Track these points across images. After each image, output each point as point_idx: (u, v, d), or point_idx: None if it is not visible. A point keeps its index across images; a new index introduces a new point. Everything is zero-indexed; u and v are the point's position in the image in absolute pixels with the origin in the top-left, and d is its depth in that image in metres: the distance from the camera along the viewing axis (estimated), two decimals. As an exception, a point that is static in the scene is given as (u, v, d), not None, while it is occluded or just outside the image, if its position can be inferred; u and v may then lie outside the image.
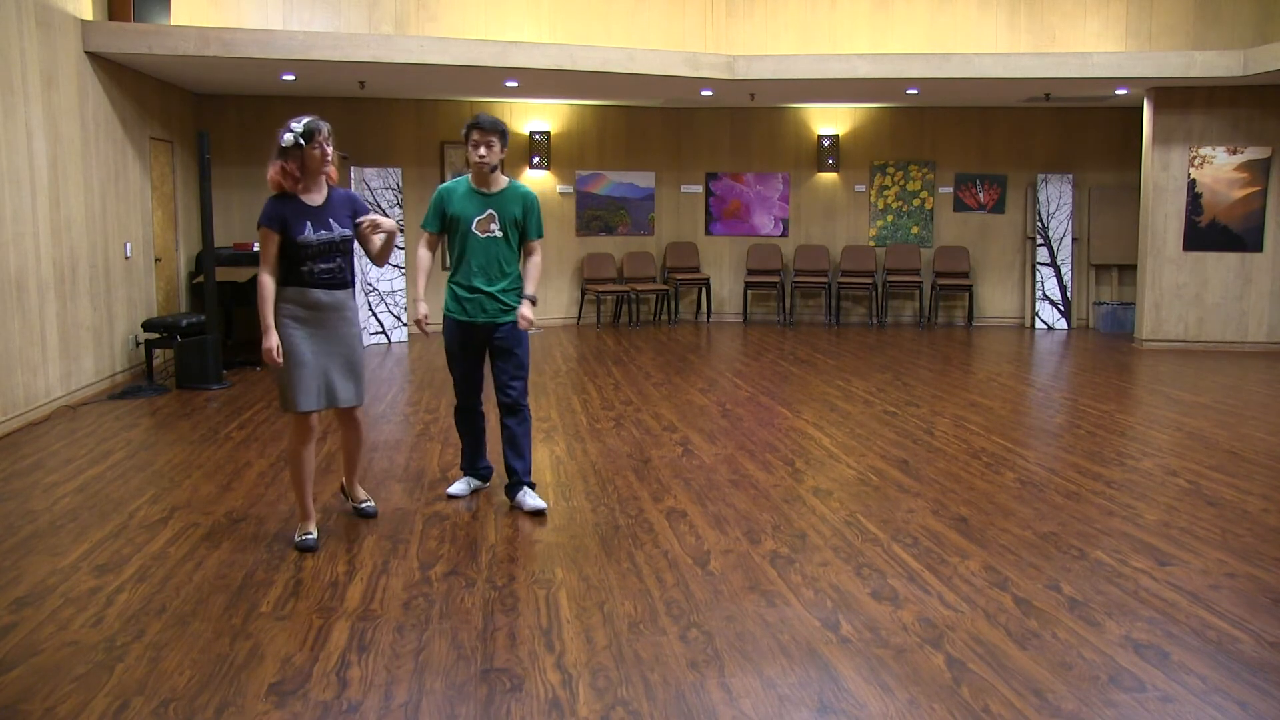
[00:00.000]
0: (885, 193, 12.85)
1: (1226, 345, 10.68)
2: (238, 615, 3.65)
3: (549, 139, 12.26)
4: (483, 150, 4.73)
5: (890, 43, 10.43)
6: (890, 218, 12.86)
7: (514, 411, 4.94)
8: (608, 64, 9.37)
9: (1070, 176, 12.44)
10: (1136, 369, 9.49)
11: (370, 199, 10.80)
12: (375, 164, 11.29)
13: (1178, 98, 10.51)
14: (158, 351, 8.48)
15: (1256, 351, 10.54)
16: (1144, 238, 10.79)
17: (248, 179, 10.78)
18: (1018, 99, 11.69)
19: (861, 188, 12.85)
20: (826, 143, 12.70)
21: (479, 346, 4.93)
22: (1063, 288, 12.43)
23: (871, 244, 12.86)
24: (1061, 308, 12.42)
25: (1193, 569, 4.16)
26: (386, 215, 10.80)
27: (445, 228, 4.89)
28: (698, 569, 4.14)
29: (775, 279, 12.75)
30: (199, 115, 10.74)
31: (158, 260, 9.44)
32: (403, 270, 11.23)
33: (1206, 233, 10.64)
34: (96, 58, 8.08)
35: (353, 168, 10.68)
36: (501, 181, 4.89)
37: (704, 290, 12.88)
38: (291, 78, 9.54)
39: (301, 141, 4.23)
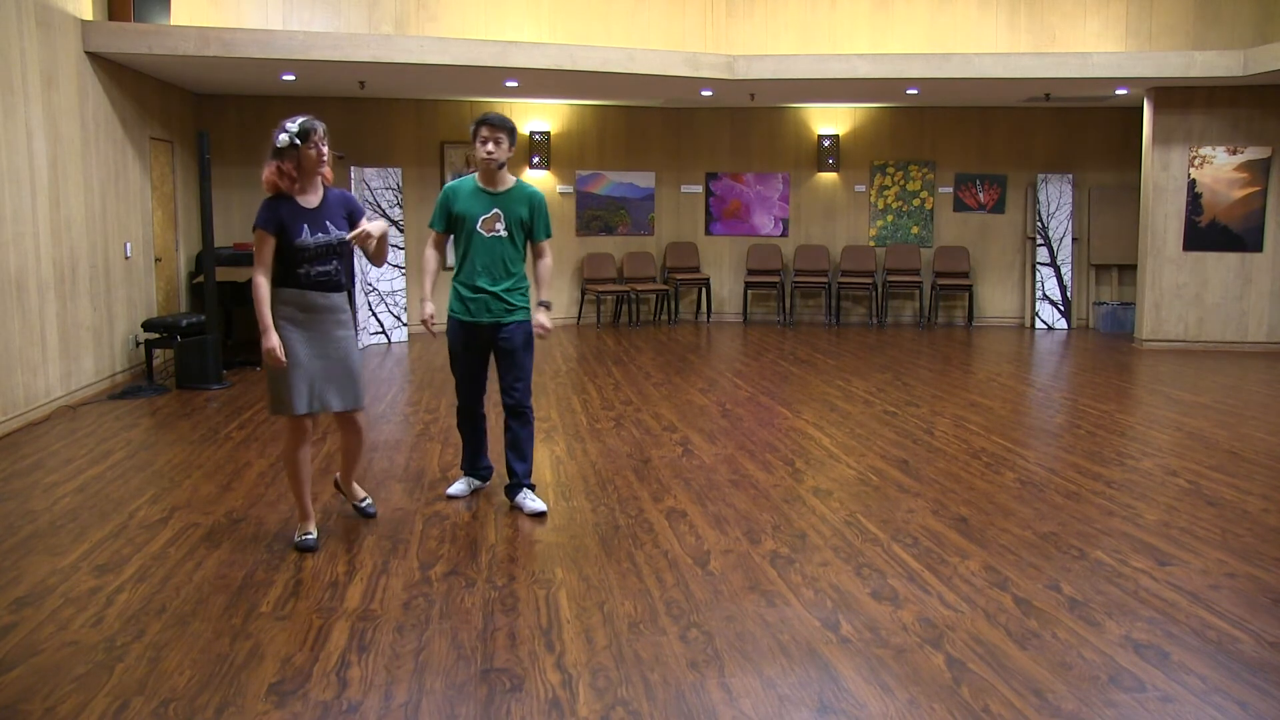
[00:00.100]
0: (885, 193, 12.85)
1: (1226, 345, 10.68)
2: (238, 615, 3.65)
3: (549, 139, 12.26)
4: (490, 146, 4.70)
5: (890, 43, 10.43)
6: (890, 218, 12.86)
7: (518, 413, 4.92)
8: (608, 64, 9.37)
9: (1070, 176, 12.44)
10: (1136, 369, 9.49)
11: (370, 199, 10.80)
12: (375, 164, 11.29)
13: (1178, 98, 10.51)
14: (158, 351, 8.48)
15: (1256, 351, 10.54)
16: (1144, 238, 10.79)
17: (248, 179, 10.77)
18: (1018, 99, 11.69)
19: (861, 188, 12.86)
20: (826, 143, 12.70)
21: (483, 347, 4.89)
22: (1063, 288, 12.43)
23: (871, 244, 12.86)
24: (1061, 308, 12.42)
25: (1193, 569, 4.16)
26: (386, 215, 10.91)
27: (451, 226, 4.86)
28: (698, 569, 4.14)
29: (775, 279, 12.75)
30: (199, 115, 10.74)
31: (158, 260, 9.44)
32: (403, 270, 11.23)
33: (1206, 233, 10.64)
34: (96, 58, 8.08)
35: (352, 168, 10.68)
36: (508, 180, 4.85)
37: (704, 290, 12.88)
38: (291, 78, 9.54)
39: (297, 142, 4.19)
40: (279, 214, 4.22)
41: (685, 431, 6.66)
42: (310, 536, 4.38)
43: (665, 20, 10.33)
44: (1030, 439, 6.65)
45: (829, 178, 12.87)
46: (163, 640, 3.44)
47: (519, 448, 4.94)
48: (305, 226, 4.24)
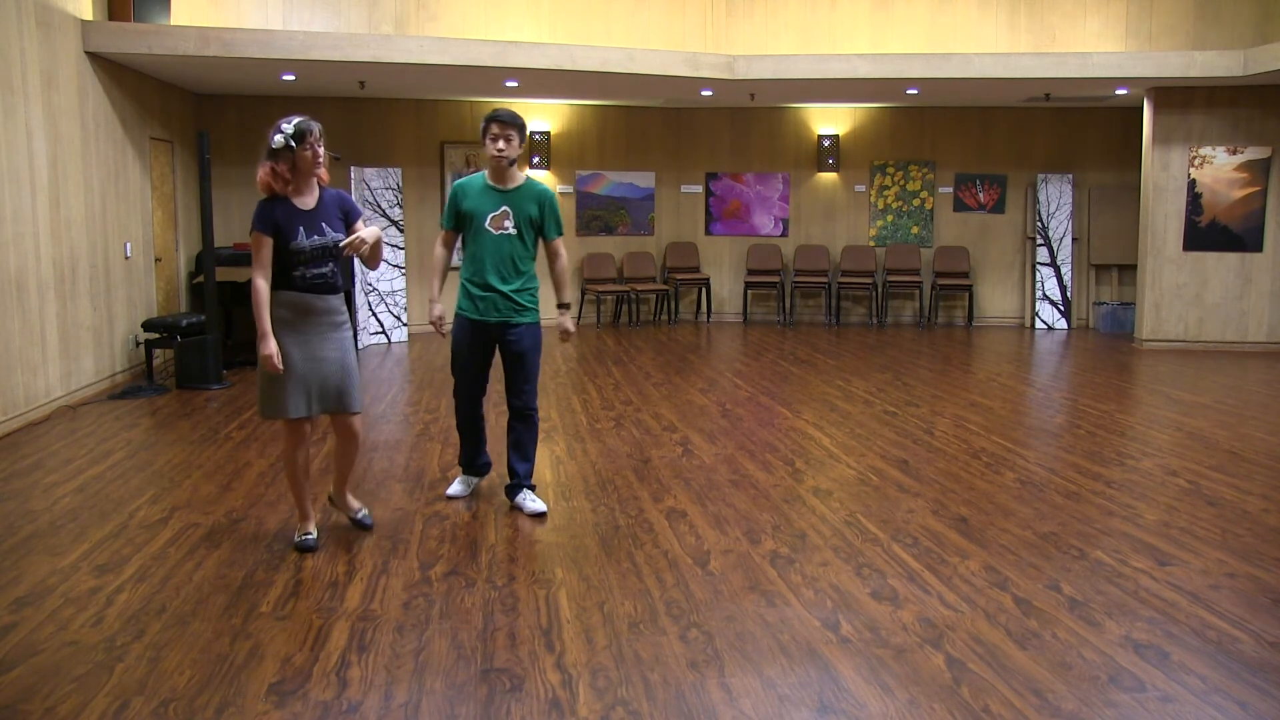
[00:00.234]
0: (885, 193, 12.85)
1: (1226, 345, 10.68)
2: (238, 615, 3.65)
3: (549, 139, 12.26)
4: (501, 144, 4.67)
5: (890, 43, 10.43)
6: (890, 218, 12.86)
7: (524, 415, 4.90)
8: (608, 64, 9.37)
9: (1070, 176, 12.44)
10: (1136, 369, 9.49)
11: (370, 199, 10.80)
12: (375, 164, 11.29)
13: (1178, 98, 10.51)
14: (158, 351, 8.48)
15: (1256, 351, 10.54)
16: (1144, 238, 10.79)
17: (248, 179, 10.68)
18: (1018, 99, 11.69)
19: (861, 188, 12.85)
20: (826, 143, 12.70)
21: (489, 346, 4.85)
22: (1063, 288, 12.43)
23: (871, 244, 12.86)
24: (1061, 308, 12.42)
25: (1193, 569, 4.16)
26: (385, 215, 10.90)
27: (460, 224, 4.82)
28: (698, 569, 4.14)
29: (775, 279, 12.75)
30: (199, 115, 10.74)
31: (158, 260, 9.44)
32: (403, 270, 11.23)
33: (1206, 233, 10.64)
34: (96, 58, 8.08)
35: (352, 168, 10.68)
36: (518, 178, 4.81)
37: (704, 290, 12.88)
38: (291, 78, 9.54)
39: (292, 143, 4.13)
40: (274, 215, 4.17)
41: (685, 431, 6.66)
42: (310, 537, 4.38)
43: (665, 20, 10.33)
44: (1030, 439, 6.65)
45: (829, 178, 12.87)
46: (163, 640, 3.44)
47: (522, 449, 4.94)
48: (301, 229, 4.18)
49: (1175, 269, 10.71)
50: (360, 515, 4.64)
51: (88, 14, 7.89)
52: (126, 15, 8.05)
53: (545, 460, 5.87)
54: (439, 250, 4.93)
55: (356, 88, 10.36)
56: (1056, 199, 12.41)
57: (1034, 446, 6.38)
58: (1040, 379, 9.21)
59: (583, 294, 12.53)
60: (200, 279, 9.86)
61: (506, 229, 4.75)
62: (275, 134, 4.14)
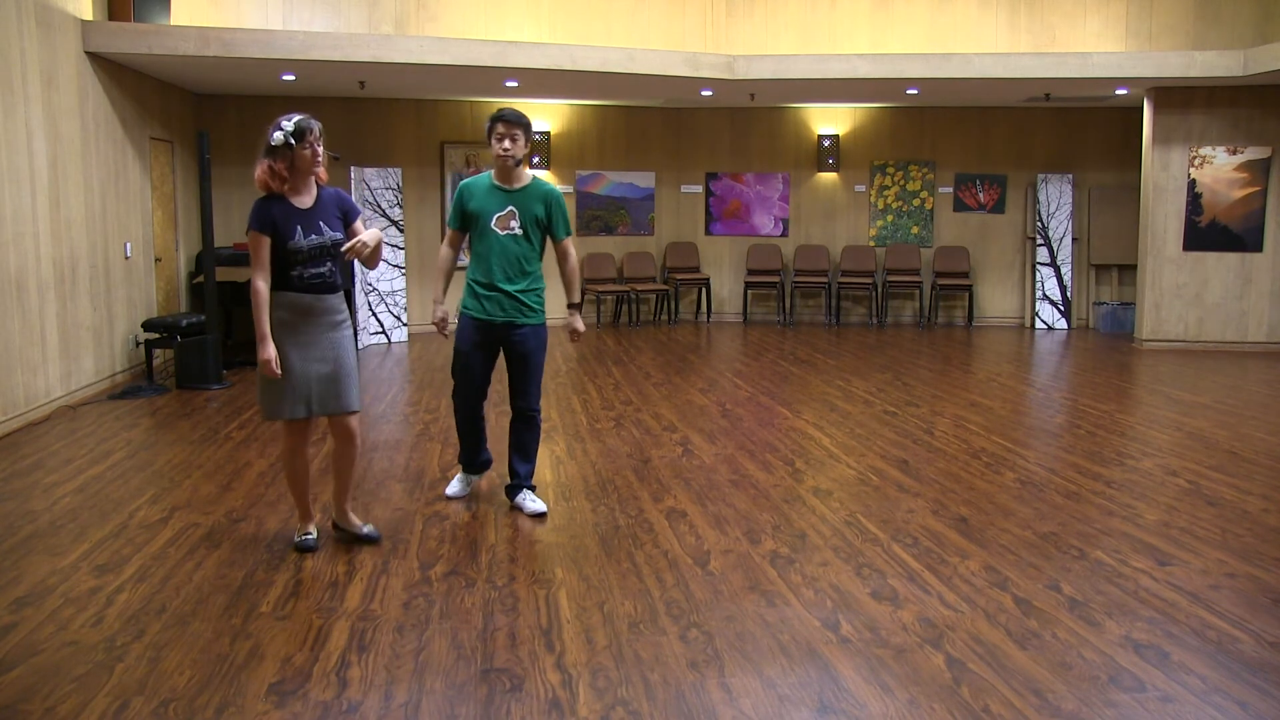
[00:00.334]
0: (885, 193, 12.85)
1: (1226, 345, 10.68)
2: (238, 615, 3.65)
3: (549, 139, 12.26)
4: (507, 143, 4.64)
5: (890, 43, 10.43)
6: (890, 218, 12.85)
7: (527, 416, 4.89)
8: (608, 64, 9.36)
9: (1070, 176, 12.44)
10: (1136, 369, 9.49)
11: (370, 199, 10.80)
12: (375, 164, 11.29)
13: (1178, 98, 10.51)
14: (158, 351, 8.48)
15: (1256, 351, 10.53)
16: (1144, 238, 10.79)
17: (248, 179, 10.58)
18: (1018, 99, 11.69)
19: (861, 188, 12.85)
20: (826, 143, 12.70)
21: (494, 347, 4.81)
22: (1063, 288, 12.43)
23: (871, 244, 12.86)
24: (1061, 308, 12.42)
25: (1193, 569, 4.16)
26: (385, 215, 10.90)
27: (467, 224, 4.79)
28: (698, 569, 4.14)
29: (775, 279, 12.75)
30: (199, 115, 10.74)
31: (158, 260, 9.44)
32: (403, 270, 11.23)
33: (1206, 233, 10.64)
34: (96, 58, 8.08)
35: (352, 168, 10.68)
36: (525, 178, 4.78)
37: (704, 290, 12.88)
38: (291, 78, 9.54)
39: (292, 141, 4.08)
40: (271, 214, 4.12)
41: (685, 431, 6.66)
42: (310, 537, 4.37)
43: (665, 20, 10.33)
44: (1030, 439, 6.65)
45: (829, 178, 12.87)
46: (163, 640, 3.44)
47: (524, 450, 4.93)
48: (298, 228, 4.13)
49: (1175, 269, 10.71)
50: (366, 531, 4.46)
51: (88, 14, 7.89)
52: (126, 15, 8.06)
53: (545, 460, 5.87)
54: (445, 250, 4.90)
55: (356, 88, 10.36)
56: (1056, 199, 12.41)
57: (1034, 446, 6.38)
58: (1040, 379, 9.21)
59: (582, 294, 12.52)
60: (200, 279, 9.86)
61: (513, 229, 4.72)
62: (275, 131, 4.09)
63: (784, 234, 12.94)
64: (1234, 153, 10.54)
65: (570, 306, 4.96)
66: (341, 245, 4.24)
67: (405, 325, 11.21)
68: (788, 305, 12.82)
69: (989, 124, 12.67)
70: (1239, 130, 10.54)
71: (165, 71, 9.17)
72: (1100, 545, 4.45)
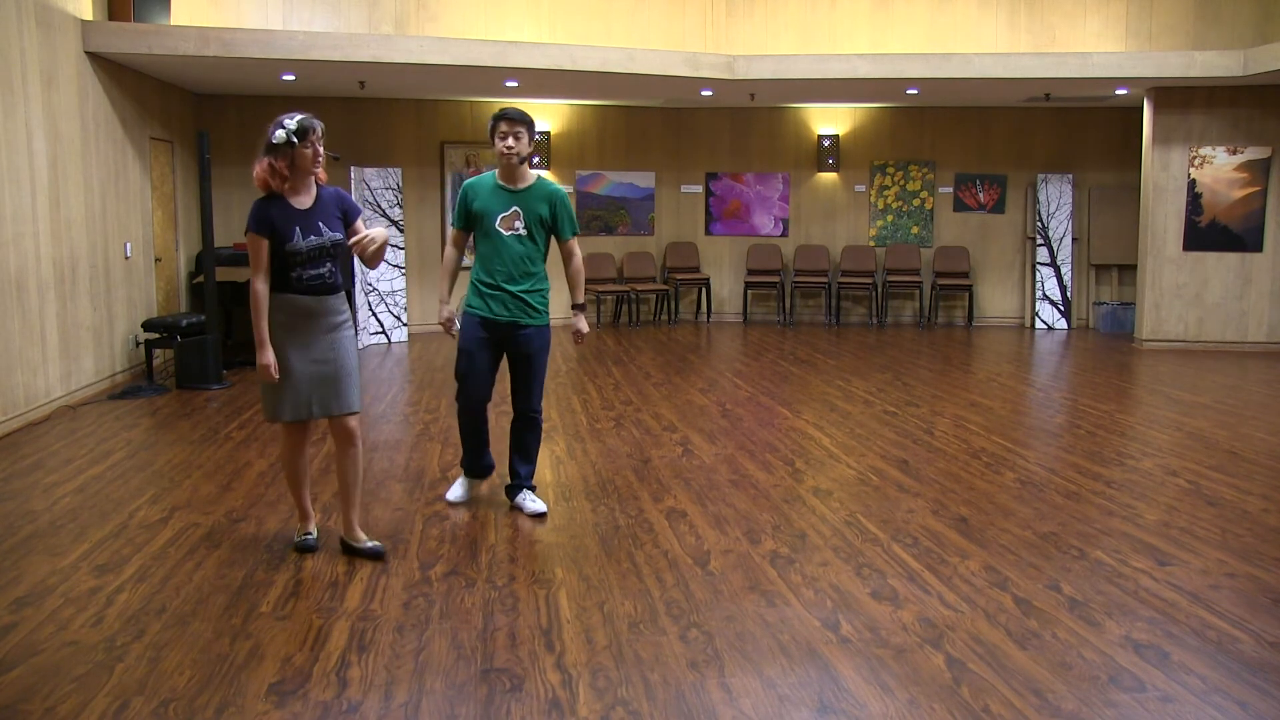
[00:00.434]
0: (885, 193, 12.85)
1: (1226, 345, 10.68)
2: (238, 615, 3.65)
3: (549, 139, 12.26)
4: (510, 141, 4.60)
5: (890, 43, 10.43)
6: (890, 218, 12.85)
7: (529, 418, 4.88)
8: (608, 64, 9.36)
9: (1070, 176, 12.44)
10: (1136, 369, 9.49)
11: (370, 199, 10.80)
12: (375, 164, 11.29)
13: (1178, 98, 10.51)
14: (158, 351, 8.48)
15: (1256, 351, 10.54)
16: (1144, 238, 10.79)
17: (248, 179, 10.61)
18: (1018, 99, 11.69)
19: (861, 188, 12.85)
20: (826, 143, 12.70)
21: (498, 346, 4.77)
22: (1063, 288, 12.43)
23: (871, 244, 12.86)
24: (1061, 308, 12.42)
25: (1193, 569, 4.16)
26: (385, 215, 10.90)
27: (471, 224, 4.76)
28: (698, 569, 4.14)
29: (775, 279, 12.75)
30: (199, 115, 10.74)
31: (158, 260, 9.44)
32: (403, 270, 11.22)
33: (1206, 233, 10.64)
34: (96, 58, 8.08)
35: (352, 168, 10.68)
36: (529, 177, 4.74)
37: (704, 290, 12.88)
38: (291, 78, 9.54)
39: (294, 140, 4.03)
40: (270, 215, 4.08)
41: (685, 431, 6.66)
42: (310, 537, 4.37)
43: (665, 20, 10.33)
44: (1030, 439, 6.65)
45: (829, 178, 12.87)
46: (163, 640, 3.44)
47: (525, 450, 4.92)
48: (297, 229, 4.08)
49: (1175, 269, 10.71)
50: (370, 546, 4.28)
51: (88, 14, 7.89)
52: (126, 15, 8.06)
53: (545, 460, 5.87)
54: (449, 250, 4.87)
55: (356, 88, 10.36)
56: (1056, 199, 12.41)
57: (1034, 446, 6.38)
58: (1040, 379, 9.21)
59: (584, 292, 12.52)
60: (200, 279, 9.86)
61: (517, 229, 4.69)
62: (276, 129, 4.04)
63: (784, 234, 12.93)
64: (1234, 153, 10.54)
65: (574, 307, 4.91)
66: (342, 245, 4.21)
67: (405, 325, 11.21)
68: (788, 305, 12.82)
69: (989, 124, 12.67)
70: (1239, 130, 10.54)
71: (165, 71, 9.17)
72: (1100, 545, 4.45)
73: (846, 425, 6.87)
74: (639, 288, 12.42)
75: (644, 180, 12.77)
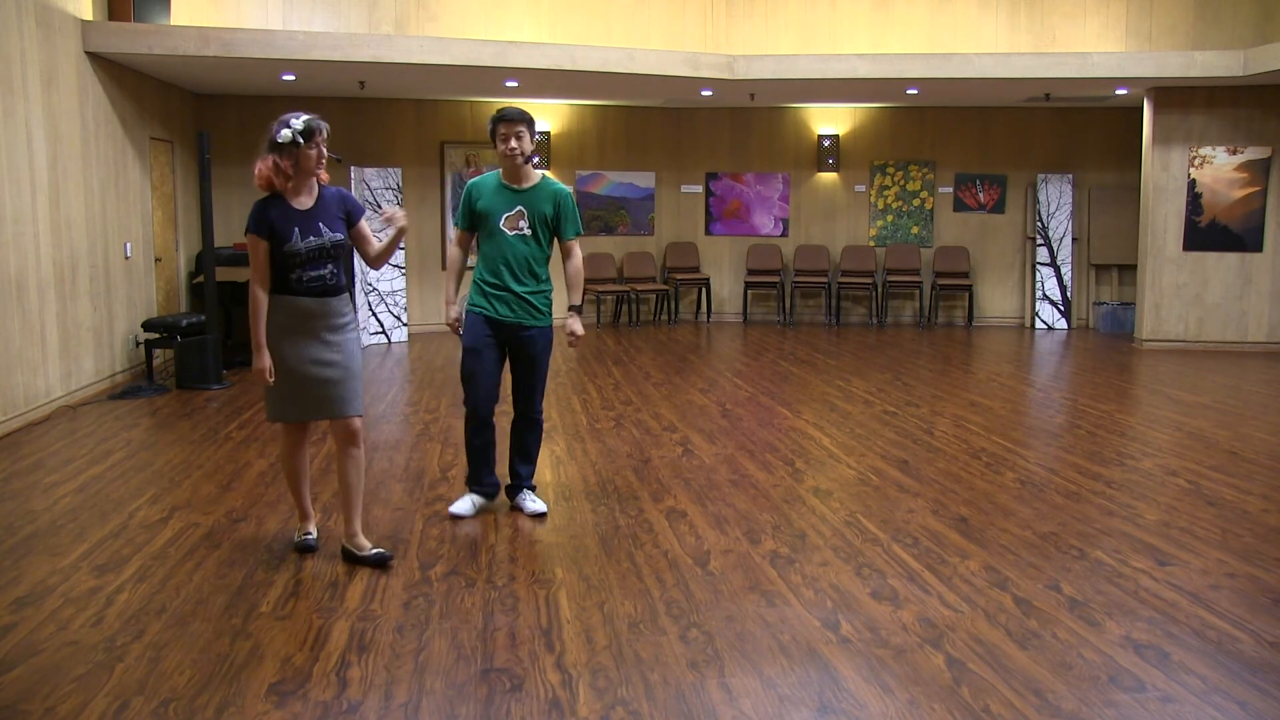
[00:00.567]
0: (885, 193, 12.85)
1: (1226, 345, 10.68)
2: (238, 615, 3.65)
3: (549, 139, 12.26)
4: (513, 142, 4.58)
5: (890, 43, 10.43)
6: (890, 218, 12.86)
7: (530, 419, 4.86)
8: (608, 64, 9.37)
9: (1070, 176, 12.44)
10: (1136, 369, 9.49)
11: (370, 199, 10.80)
12: (375, 164, 11.29)
13: (1178, 98, 10.51)
14: (158, 351, 8.48)
15: (1256, 351, 10.54)
16: (1144, 238, 10.79)
17: (248, 179, 10.59)
18: (1018, 99, 11.69)
19: (861, 188, 12.85)
20: (826, 143, 12.70)
21: (502, 345, 4.73)
22: (1063, 288, 12.43)
23: (871, 244, 12.86)
24: (1061, 308, 12.42)
25: (1193, 569, 4.16)
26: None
27: (475, 224, 4.72)
28: (698, 569, 4.14)
29: (775, 279, 12.75)
30: (199, 115, 10.74)
31: (158, 260, 9.44)
32: (402, 270, 11.23)
33: (1206, 233, 10.64)
34: (96, 58, 8.08)
35: (353, 168, 10.68)
36: (533, 177, 4.72)
37: (704, 290, 12.88)
38: (291, 78, 9.54)
39: (300, 140, 3.99)
40: (269, 216, 4.03)
41: (685, 431, 6.66)
42: (310, 536, 4.37)
43: (665, 20, 10.33)
44: (1030, 439, 6.65)
45: (829, 178, 12.87)
46: (163, 640, 3.44)
47: (526, 451, 4.90)
48: (296, 230, 4.03)
49: (1175, 269, 10.71)
50: (375, 553, 4.16)
51: (88, 14, 7.89)
52: (126, 15, 8.06)
53: (545, 460, 5.87)
54: (454, 251, 4.84)
55: (356, 88, 10.36)
56: (1056, 199, 12.41)
57: (1034, 446, 6.38)
58: (1040, 379, 9.21)
59: (582, 294, 12.51)
60: (200, 279, 9.86)
61: (521, 229, 4.66)
62: (281, 128, 3.99)
63: (784, 234, 12.93)
64: (1234, 153, 10.54)
65: (571, 308, 4.87)
66: (344, 246, 4.18)
67: (405, 325, 11.21)
68: (788, 305, 12.82)
69: (989, 124, 12.67)
70: (1239, 130, 10.54)
71: (165, 71, 9.17)
72: (1100, 545, 4.45)
73: (846, 425, 6.87)
74: (639, 288, 12.42)
75: (644, 180, 12.77)
